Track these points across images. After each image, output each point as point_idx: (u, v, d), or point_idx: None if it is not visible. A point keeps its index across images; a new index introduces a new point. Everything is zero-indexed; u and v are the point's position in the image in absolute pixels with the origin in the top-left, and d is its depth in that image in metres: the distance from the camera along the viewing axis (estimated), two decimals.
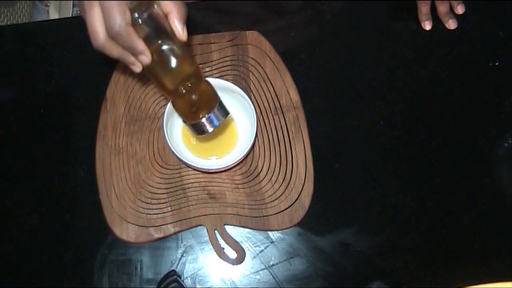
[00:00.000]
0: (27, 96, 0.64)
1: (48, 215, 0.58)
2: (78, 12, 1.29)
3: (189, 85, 0.48)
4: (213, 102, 0.50)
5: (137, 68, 0.46)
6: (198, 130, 0.51)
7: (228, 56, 0.64)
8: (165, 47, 0.46)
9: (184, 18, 0.45)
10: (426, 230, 0.58)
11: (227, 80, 0.58)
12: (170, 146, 0.54)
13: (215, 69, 0.64)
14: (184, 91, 0.48)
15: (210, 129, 0.50)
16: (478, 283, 0.48)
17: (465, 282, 0.50)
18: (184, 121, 0.52)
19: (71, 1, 1.30)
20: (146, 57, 0.44)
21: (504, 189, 0.59)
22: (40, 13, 1.25)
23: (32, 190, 0.59)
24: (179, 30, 0.45)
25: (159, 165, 0.59)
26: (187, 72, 0.47)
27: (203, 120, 0.49)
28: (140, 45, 0.43)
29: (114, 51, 0.44)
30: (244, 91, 0.56)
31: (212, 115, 0.50)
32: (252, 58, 0.64)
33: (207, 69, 0.64)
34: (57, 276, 0.56)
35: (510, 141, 0.61)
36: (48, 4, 1.26)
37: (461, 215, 0.58)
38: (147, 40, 0.44)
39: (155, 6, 0.44)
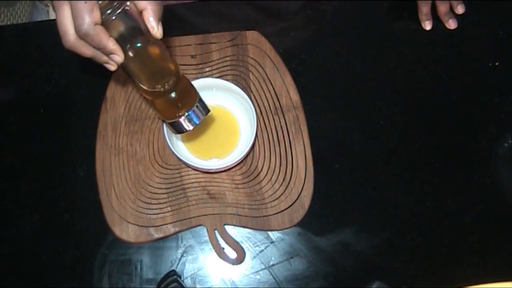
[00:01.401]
0: (27, 96, 0.64)
1: (48, 215, 0.58)
2: None
3: (167, 83, 0.47)
4: (192, 100, 0.49)
5: (112, 67, 0.45)
6: (177, 128, 0.50)
7: (228, 56, 0.64)
8: (140, 45, 0.44)
9: (159, 15, 0.44)
10: (426, 230, 0.58)
11: (227, 80, 0.58)
12: (170, 146, 0.54)
13: (215, 69, 0.64)
14: (162, 89, 0.47)
15: (189, 127, 0.49)
16: (478, 283, 0.48)
17: (465, 282, 0.50)
18: (163, 120, 0.51)
19: None
20: (118, 56, 0.43)
21: (504, 189, 0.59)
22: (40, 13, 1.25)
23: (32, 190, 0.59)
24: (154, 27, 0.44)
25: (159, 165, 0.59)
26: (164, 71, 0.47)
27: (182, 118, 0.49)
28: (110, 44, 0.42)
29: (85, 50, 0.43)
30: (244, 91, 0.56)
31: (191, 113, 0.49)
32: (252, 58, 0.64)
33: (207, 69, 0.64)
34: (57, 276, 0.56)
35: (510, 141, 0.61)
36: (48, 4, 1.26)
37: (461, 215, 0.58)
38: (122, 38, 0.43)
39: (128, 3, 0.43)
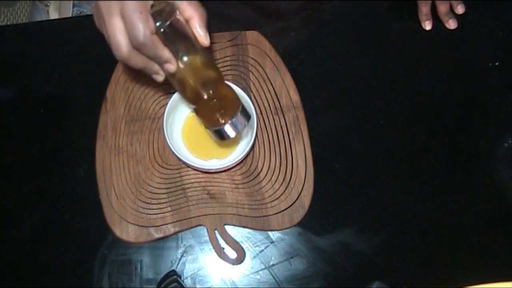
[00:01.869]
0: (27, 96, 0.64)
1: (48, 215, 0.58)
2: (79, 12, 1.29)
3: (211, 90, 0.47)
4: (235, 107, 0.49)
5: (160, 77, 0.45)
6: (221, 136, 0.50)
7: (228, 56, 0.64)
8: (187, 53, 0.45)
9: (206, 23, 0.44)
10: (426, 230, 0.58)
11: (227, 80, 0.58)
12: (170, 146, 0.54)
13: None
14: (206, 96, 0.47)
15: (233, 134, 0.49)
16: (478, 283, 0.48)
17: (465, 282, 0.50)
18: (206, 127, 0.51)
19: (71, 1, 1.30)
20: (172, 65, 0.43)
21: (504, 189, 0.59)
22: (40, 13, 1.25)
23: (32, 190, 0.59)
24: (202, 35, 0.44)
25: (159, 165, 0.59)
26: (209, 78, 0.47)
27: (227, 126, 0.49)
28: (166, 53, 0.42)
29: (138, 61, 0.42)
30: (244, 91, 0.56)
31: (235, 120, 0.49)
32: (252, 58, 0.64)
33: None
34: (57, 276, 0.56)
35: (510, 141, 0.61)
36: (48, 4, 1.26)
37: (461, 215, 0.58)
38: (170, 47, 0.43)
39: (177, 12, 0.43)
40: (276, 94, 0.62)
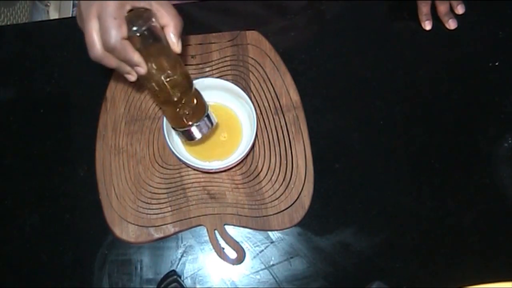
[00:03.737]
0: (27, 96, 0.64)
1: (48, 215, 0.58)
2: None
3: (180, 94, 0.49)
4: (202, 110, 0.52)
5: (132, 78, 0.48)
6: (187, 136, 0.53)
7: (228, 56, 0.64)
8: (159, 57, 0.47)
9: (180, 32, 0.47)
10: (426, 230, 0.58)
11: (227, 80, 0.58)
12: (170, 146, 0.54)
13: (215, 69, 0.64)
14: (175, 99, 0.49)
15: (198, 136, 0.53)
16: (478, 283, 0.48)
17: (465, 282, 0.50)
18: (173, 128, 0.54)
19: (71, 1, 1.30)
20: (142, 69, 0.46)
21: (504, 189, 0.59)
22: (40, 13, 1.25)
23: (32, 190, 0.59)
24: (175, 43, 0.47)
25: (159, 165, 0.59)
26: (179, 82, 0.49)
27: (193, 127, 0.52)
28: (136, 57, 0.45)
29: (111, 62, 0.45)
30: (244, 91, 0.56)
31: (201, 123, 0.52)
32: (252, 58, 0.64)
33: (207, 69, 0.64)
34: (57, 276, 0.56)
35: (510, 141, 0.61)
36: (48, 4, 1.26)
37: (461, 215, 0.58)
38: (142, 50, 0.46)
39: (153, 19, 0.45)
40: (276, 94, 0.62)
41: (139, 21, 0.44)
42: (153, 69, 0.47)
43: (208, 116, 0.53)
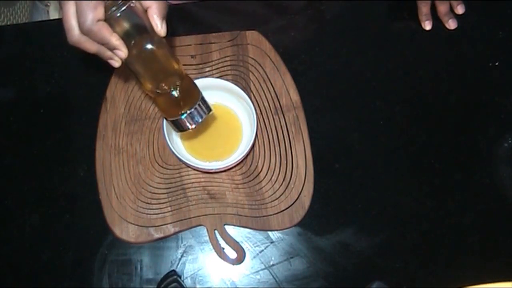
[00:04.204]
0: (27, 96, 0.64)
1: (48, 215, 0.58)
2: None
3: (170, 82, 0.47)
4: (194, 98, 0.49)
5: (116, 63, 0.46)
6: (178, 127, 0.50)
7: (228, 56, 0.64)
8: (144, 43, 0.45)
9: (163, 14, 0.45)
10: (426, 230, 0.58)
11: (227, 80, 0.58)
12: (170, 146, 0.54)
13: (215, 69, 0.64)
14: (165, 87, 0.47)
15: (191, 126, 0.50)
16: (478, 283, 0.48)
17: (465, 282, 0.50)
18: (165, 118, 0.51)
19: None
20: (122, 52, 0.44)
21: (504, 189, 0.59)
22: (40, 13, 1.25)
23: (32, 190, 0.59)
24: (158, 25, 0.45)
25: (159, 165, 0.59)
26: (167, 69, 0.47)
27: (184, 116, 0.49)
28: (113, 39, 0.43)
29: (89, 46, 0.44)
30: (244, 91, 0.56)
31: (193, 112, 0.49)
32: (252, 58, 0.64)
33: (207, 69, 0.64)
34: (57, 276, 0.56)
35: (510, 141, 0.61)
36: (48, 4, 1.26)
37: (461, 215, 0.58)
38: (127, 35, 0.44)
39: (133, 0, 0.44)
40: (276, 94, 0.62)
41: (118, 1, 0.43)
42: (136, 54, 0.45)
43: (201, 103, 0.50)
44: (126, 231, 0.56)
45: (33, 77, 0.65)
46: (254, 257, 0.56)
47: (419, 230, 0.58)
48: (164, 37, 0.46)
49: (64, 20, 0.43)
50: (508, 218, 0.58)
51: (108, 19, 0.43)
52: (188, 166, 0.57)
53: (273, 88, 0.63)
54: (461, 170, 0.60)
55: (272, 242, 0.57)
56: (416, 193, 0.59)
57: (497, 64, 0.65)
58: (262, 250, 0.57)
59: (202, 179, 0.59)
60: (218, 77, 0.60)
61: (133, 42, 0.45)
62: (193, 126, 0.50)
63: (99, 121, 0.61)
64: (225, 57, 0.64)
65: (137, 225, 0.57)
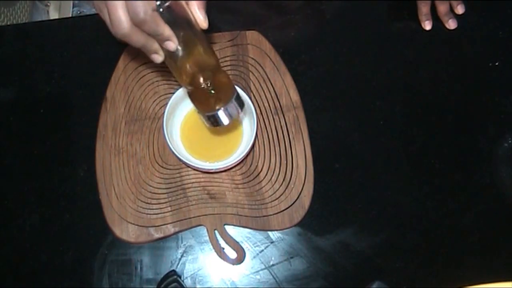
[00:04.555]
0: (27, 96, 0.64)
1: (48, 215, 0.58)
2: (79, 12, 1.29)
3: (207, 76, 0.47)
4: (230, 93, 0.49)
5: (160, 58, 0.45)
6: (213, 122, 0.50)
7: (228, 56, 0.64)
8: (186, 36, 0.45)
9: (204, 6, 0.45)
10: (426, 230, 0.58)
11: None
12: (170, 146, 0.54)
13: None
14: (201, 81, 0.47)
15: (226, 121, 0.50)
16: (478, 283, 0.48)
17: (465, 282, 0.50)
18: (199, 112, 0.51)
19: (71, 1, 1.30)
20: (173, 43, 0.44)
21: (504, 189, 0.59)
22: (40, 13, 1.25)
23: (32, 190, 0.59)
24: (201, 17, 0.45)
25: (159, 165, 0.59)
26: (206, 62, 0.47)
27: (220, 111, 0.49)
28: (167, 30, 0.42)
29: (139, 38, 0.43)
30: (244, 91, 0.56)
31: (229, 107, 0.49)
32: (252, 58, 0.64)
33: None
34: (57, 276, 0.56)
35: (510, 141, 0.61)
36: (48, 4, 1.26)
37: (461, 215, 0.58)
38: (184, 24, 0.44)
39: None
40: (276, 94, 0.62)
41: None
42: (180, 49, 0.45)
43: (236, 99, 0.50)
44: (126, 231, 0.56)
45: (33, 77, 0.65)
46: (254, 257, 0.56)
47: (419, 230, 0.58)
48: (205, 30, 0.46)
49: (112, 12, 0.41)
50: (508, 218, 0.58)
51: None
52: (188, 166, 0.57)
53: (273, 88, 0.63)
54: (461, 170, 0.60)
55: (272, 242, 0.57)
56: (416, 193, 0.59)
57: (497, 64, 0.65)
58: (262, 250, 0.57)
59: (202, 179, 0.59)
60: None
61: (176, 36, 0.44)
62: (229, 121, 0.50)
63: (99, 121, 0.61)
64: (225, 57, 0.64)
65: (137, 225, 0.57)
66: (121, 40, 0.43)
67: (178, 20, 0.44)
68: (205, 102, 0.49)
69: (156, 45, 0.44)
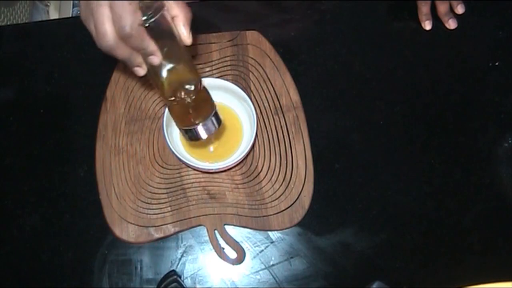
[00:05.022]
0: (27, 96, 0.64)
1: (48, 215, 0.58)
2: (79, 12, 1.30)
3: (188, 90, 0.48)
4: (209, 109, 0.50)
5: (142, 71, 0.46)
6: (191, 136, 0.51)
7: (228, 56, 0.64)
8: (169, 50, 0.45)
9: (189, 23, 0.45)
10: (426, 230, 0.58)
11: (227, 80, 0.58)
12: (170, 146, 0.54)
13: (215, 69, 0.64)
14: (183, 96, 0.48)
15: (204, 135, 0.50)
16: (478, 283, 0.48)
17: (465, 282, 0.50)
18: (177, 125, 0.52)
19: (71, 1, 1.30)
20: (157, 58, 0.44)
21: (504, 189, 0.59)
22: (40, 13, 1.25)
23: (32, 190, 0.59)
24: (185, 33, 0.45)
25: (159, 165, 0.59)
26: (188, 77, 0.48)
27: (199, 126, 0.49)
28: (152, 45, 0.43)
29: (123, 52, 0.43)
30: (244, 91, 0.56)
31: (208, 123, 0.50)
32: (252, 58, 0.64)
33: (207, 69, 0.64)
34: (57, 276, 0.56)
35: (510, 141, 0.61)
36: (48, 4, 1.26)
37: (461, 215, 0.58)
38: (168, 38, 0.44)
39: (164, 9, 0.44)
40: (276, 94, 0.62)
41: (149, 10, 0.42)
42: (163, 63, 0.45)
43: (215, 115, 0.50)
44: (126, 231, 0.56)
45: (33, 77, 0.65)
46: (254, 257, 0.56)
47: (419, 230, 0.58)
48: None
49: (98, 24, 0.41)
50: (508, 218, 0.58)
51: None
52: (188, 166, 0.57)
53: (273, 88, 0.63)
54: (461, 170, 0.60)
55: (272, 242, 0.57)
56: (416, 193, 0.59)
57: (497, 64, 0.65)
58: (262, 250, 0.57)
59: (202, 179, 0.59)
60: (218, 77, 0.60)
61: (160, 50, 0.45)
62: (206, 136, 0.50)
63: (99, 121, 0.61)
64: (225, 57, 0.64)
65: (137, 225, 0.57)
66: (105, 52, 0.43)
67: (163, 35, 0.45)
68: (184, 117, 0.50)
69: (139, 59, 0.44)
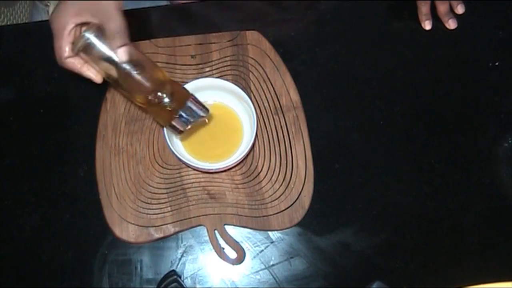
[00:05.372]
0: (27, 96, 0.64)
1: (48, 215, 0.58)
2: None
3: (156, 92, 0.49)
4: (183, 100, 0.50)
5: (97, 81, 0.51)
6: (174, 130, 0.51)
7: (228, 56, 0.64)
8: (117, 66, 0.48)
9: (122, 43, 0.48)
10: (426, 230, 0.58)
11: (227, 80, 0.58)
12: (170, 146, 0.54)
13: (215, 69, 0.64)
14: (153, 99, 0.49)
15: (184, 127, 0.51)
16: (478, 283, 0.48)
17: (465, 282, 0.50)
18: (163, 125, 0.52)
19: None
20: (96, 80, 0.50)
21: (504, 189, 0.59)
22: (40, 13, 1.25)
23: (32, 190, 0.59)
24: (115, 58, 0.48)
25: (159, 165, 0.59)
26: (148, 83, 0.48)
27: (174, 121, 0.50)
28: (85, 72, 0.49)
29: (72, 69, 0.49)
30: (244, 91, 0.56)
31: (183, 114, 0.50)
32: (252, 58, 0.64)
33: (207, 69, 0.64)
34: (57, 276, 0.56)
35: (510, 141, 0.61)
36: (48, 4, 1.26)
37: (461, 215, 0.58)
38: (102, 60, 0.47)
39: (89, 40, 0.47)
40: (276, 94, 0.62)
41: (88, 31, 0.46)
42: (114, 76, 0.48)
43: (192, 104, 0.50)
44: (126, 231, 0.56)
45: (33, 77, 0.65)
46: (254, 257, 0.56)
47: (419, 230, 0.58)
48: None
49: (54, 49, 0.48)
50: (508, 218, 0.58)
51: (85, 47, 0.46)
52: (188, 166, 0.57)
53: (273, 88, 0.63)
54: (461, 170, 0.60)
55: (272, 242, 0.57)
56: (416, 193, 0.59)
57: (497, 64, 0.65)
58: (262, 250, 0.57)
59: (202, 179, 0.59)
60: (218, 77, 0.60)
61: (113, 64, 0.47)
62: (187, 127, 0.51)
63: (99, 121, 0.61)
64: (225, 57, 0.64)
65: (137, 225, 0.57)
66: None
67: (104, 55, 0.47)
68: (162, 115, 0.51)
69: (89, 73, 0.50)
